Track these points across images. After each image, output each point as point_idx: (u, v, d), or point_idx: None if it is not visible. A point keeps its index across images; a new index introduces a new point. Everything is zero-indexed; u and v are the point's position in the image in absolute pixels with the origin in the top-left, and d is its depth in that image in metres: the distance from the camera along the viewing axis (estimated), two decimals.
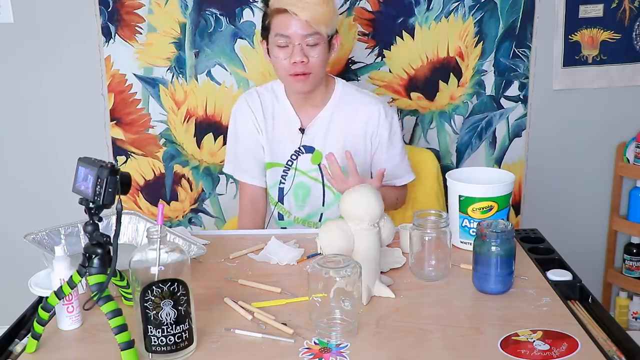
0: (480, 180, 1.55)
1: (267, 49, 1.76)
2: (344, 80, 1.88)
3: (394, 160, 1.85)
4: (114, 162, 2.06)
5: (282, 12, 1.66)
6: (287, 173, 1.85)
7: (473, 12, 2.25)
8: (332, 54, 1.77)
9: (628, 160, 2.40)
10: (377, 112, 1.81)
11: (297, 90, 1.75)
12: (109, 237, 1.11)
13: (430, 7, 2.24)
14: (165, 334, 1.08)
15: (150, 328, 1.07)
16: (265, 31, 1.73)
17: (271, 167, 1.87)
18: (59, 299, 1.14)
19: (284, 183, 1.86)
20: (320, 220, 1.88)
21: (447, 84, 2.32)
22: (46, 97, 2.33)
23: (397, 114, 2.01)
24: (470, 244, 1.37)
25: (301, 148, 1.82)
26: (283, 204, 1.88)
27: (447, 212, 1.52)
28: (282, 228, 1.90)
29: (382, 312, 1.26)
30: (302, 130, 1.81)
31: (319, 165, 1.82)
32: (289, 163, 1.84)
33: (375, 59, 2.29)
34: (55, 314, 1.21)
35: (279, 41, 1.68)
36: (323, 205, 1.87)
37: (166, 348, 1.08)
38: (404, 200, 1.98)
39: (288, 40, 1.67)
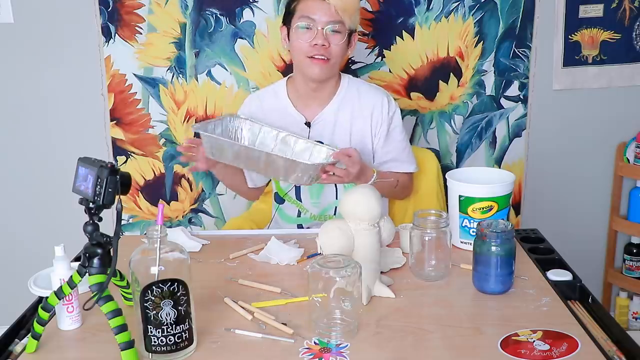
0: (480, 180, 1.56)
1: (287, 35, 1.78)
2: (350, 76, 1.89)
3: (395, 151, 1.86)
4: (114, 162, 2.06)
5: None
6: None
7: (473, 12, 2.25)
8: (349, 50, 1.80)
9: (628, 160, 2.40)
10: (381, 102, 1.83)
11: (312, 75, 1.75)
12: (109, 237, 1.11)
13: (430, 7, 2.24)
14: (165, 334, 1.08)
15: (150, 328, 1.07)
16: (289, 15, 1.76)
17: None
18: (59, 299, 1.14)
19: None
20: (335, 214, 1.88)
21: (447, 84, 2.32)
22: (46, 97, 2.33)
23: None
24: (470, 244, 1.37)
25: None
26: (301, 201, 1.88)
27: (447, 212, 1.52)
28: (298, 225, 1.89)
29: (382, 312, 1.26)
30: (308, 124, 1.82)
31: None
32: None
33: (375, 59, 2.29)
34: (55, 314, 1.21)
35: (302, 23, 1.71)
36: (336, 198, 1.86)
37: (166, 348, 1.08)
38: (410, 189, 1.96)
39: (312, 24, 1.70)
